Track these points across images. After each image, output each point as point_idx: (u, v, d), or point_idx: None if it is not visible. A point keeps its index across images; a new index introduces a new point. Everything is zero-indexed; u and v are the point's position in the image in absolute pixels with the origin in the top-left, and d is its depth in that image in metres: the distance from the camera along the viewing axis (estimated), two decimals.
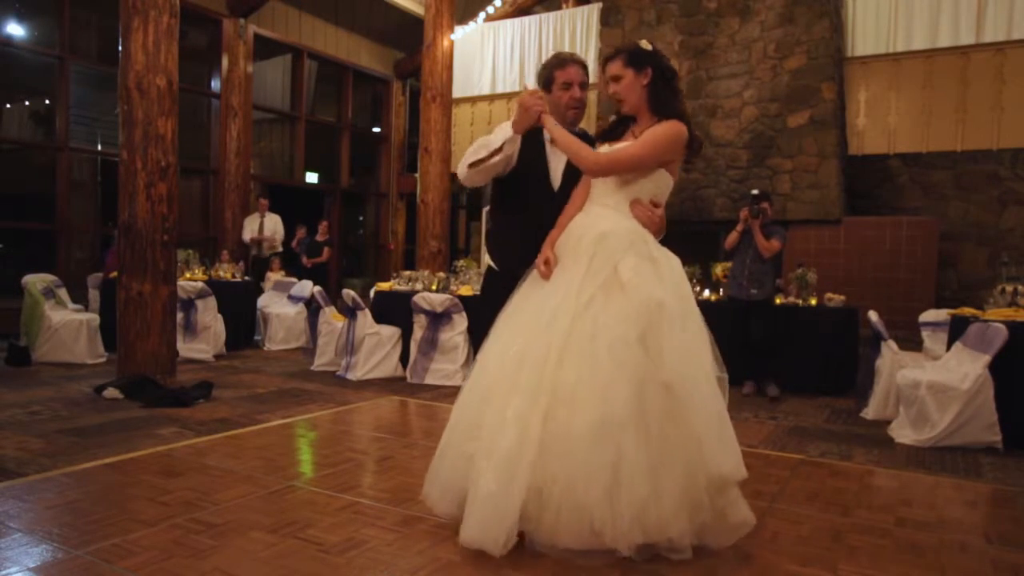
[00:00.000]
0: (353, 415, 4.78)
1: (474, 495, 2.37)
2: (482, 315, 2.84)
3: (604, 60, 2.68)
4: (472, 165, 2.70)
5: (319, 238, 10.03)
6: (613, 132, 2.73)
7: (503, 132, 2.67)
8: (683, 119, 2.59)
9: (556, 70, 2.79)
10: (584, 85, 2.79)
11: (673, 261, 2.57)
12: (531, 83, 2.65)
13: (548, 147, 2.79)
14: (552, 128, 2.61)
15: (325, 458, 3.73)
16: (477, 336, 3.03)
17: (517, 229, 2.80)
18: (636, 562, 2.35)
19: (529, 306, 2.54)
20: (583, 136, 2.83)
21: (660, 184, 2.61)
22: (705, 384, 2.40)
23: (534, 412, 2.32)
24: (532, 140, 2.77)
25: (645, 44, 2.61)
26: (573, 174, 2.76)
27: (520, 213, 2.80)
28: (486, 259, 3.11)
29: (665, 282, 2.47)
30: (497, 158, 2.66)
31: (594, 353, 2.35)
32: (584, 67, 2.81)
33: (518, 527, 2.34)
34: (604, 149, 2.66)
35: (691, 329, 2.45)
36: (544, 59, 10.55)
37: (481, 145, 2.69)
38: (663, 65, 2.61)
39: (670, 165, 2.62)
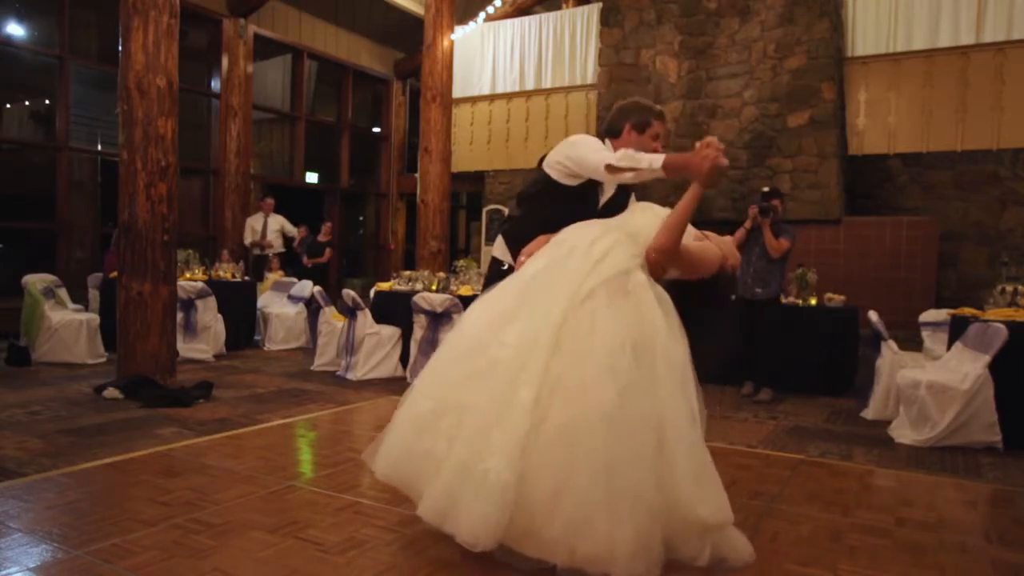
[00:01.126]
0: (353, 415, 4.78)
1: (472, 483, 2.17)
2: None
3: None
4: (613, 169, 2.66)
5: (321, 239, 10.04)
6: None
7: (652, 160, 2.60)
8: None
9: (655, 120, 2.89)
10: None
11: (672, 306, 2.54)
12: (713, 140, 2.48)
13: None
14: (694, 196, 2.51)
15: (325, 458, 3.73)
16: None
17: (549, 234, 2.82)
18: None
19: (526, 289, 2.51)
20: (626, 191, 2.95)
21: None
22: (687, 420, 2.33)
23: (528, 397, 2.22)
24: None
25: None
26: (615, 205, 2.85)
27: (560, 223, 2.79)
28: (497, 250, 3.11)
29: (665, 310, 2.45)
30: (630, 176, 2.66)
31: (589, 349, 2.29)
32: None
33: None
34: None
35: (681, 363, 2.40)
36: (544, 59, 10.49)
37: (631, 157, 2.64)
38: None
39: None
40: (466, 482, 2.19)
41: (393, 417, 2.52)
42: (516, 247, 2.93)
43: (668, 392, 2.31)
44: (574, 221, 2.74)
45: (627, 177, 2.65)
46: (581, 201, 2.85)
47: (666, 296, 2.52)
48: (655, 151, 2.78)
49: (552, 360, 2.28)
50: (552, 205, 2.87)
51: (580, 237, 2.58)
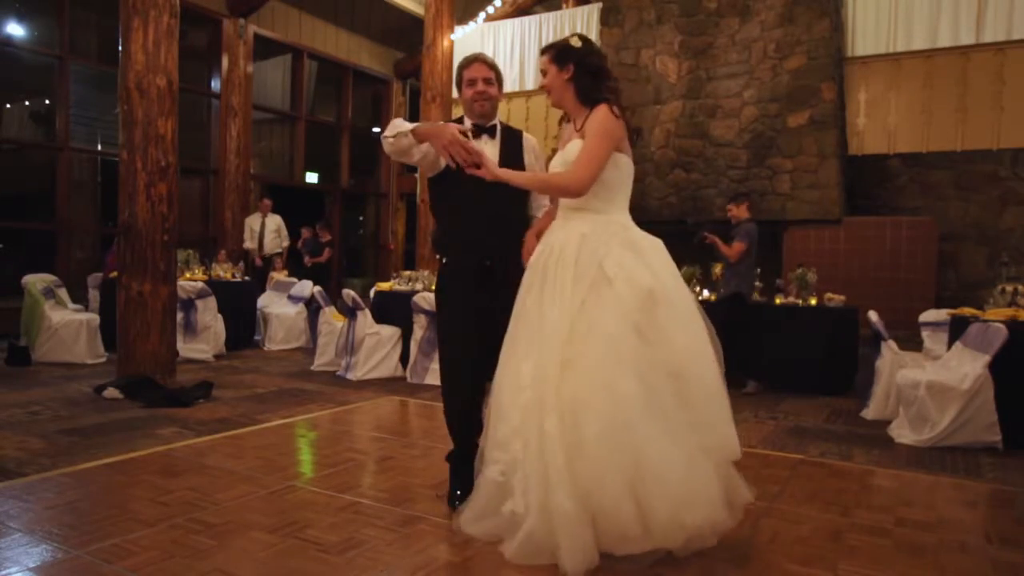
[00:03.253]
0: (353, 415, 4.78)
1: (549, 524, 2.30)
2: (440, 311, 3.03)
3: (540, 52, 2.77)
4: (386, 139, 2.83)
5: (321, 239, 10.06)
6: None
7: (407, 126, 2.77)
8: (607, 100, 2.58)
9: (462, 70, 2.97)
10: (488, 80, 2.92)
11: (657, 245, 2.58)
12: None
13: (477, 141, 2.88)
14: (506, 176, 2.60)
15: (325, 458, 3.73)
16: (441, 331, 3.12)
17: (458, 224, 2.94)
18: (656, 561, 2.35)
19: (527, 321, 2.54)
20: (509, 133, 2.98)
21: (622, 167, 2.61)
22: (708, 364, 2.44)
23: (553, 426, 2.31)
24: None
25: (574, 41, 2.65)
26: (508, 164, 2.85)
27: (459, 208, 2.93)
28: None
29: (653, 268, 2.48)
30: (391, 140, 2.78)
31: (591, 354, 2.34)
32: (488, 65, 2.95)
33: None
34: (556, 159, 2.68)
35: (684, 310, 2.48)
36: None
37: (394, 125, 2.82)
38: (587, 60, 2.63)
39: (621, 144, 2.60)
40: (542, 524, 2.31)
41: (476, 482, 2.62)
42: (448, 252, 2.99)
43: (686, 344, 2.41)
44: (474, 199, 2.82)
45: (390, 143, 2.78)
46: (460, 180, 2.85)
47: (651, 247, 2.54)
48: (475, 92, 2.88)
49: (562, 380, 2.34)
50: (446, 200, 2.98)
51: (549, 247, 2.58)
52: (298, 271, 9.73)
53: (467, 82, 2.93)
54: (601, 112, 2.54)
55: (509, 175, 2.61)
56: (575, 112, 2.68)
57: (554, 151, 2.86)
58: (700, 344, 2.45)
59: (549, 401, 2.34)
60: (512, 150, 2.93)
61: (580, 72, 2.62)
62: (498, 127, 2.96)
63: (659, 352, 2.36)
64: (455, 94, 10.03)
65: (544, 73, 2.70)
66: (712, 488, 2.33)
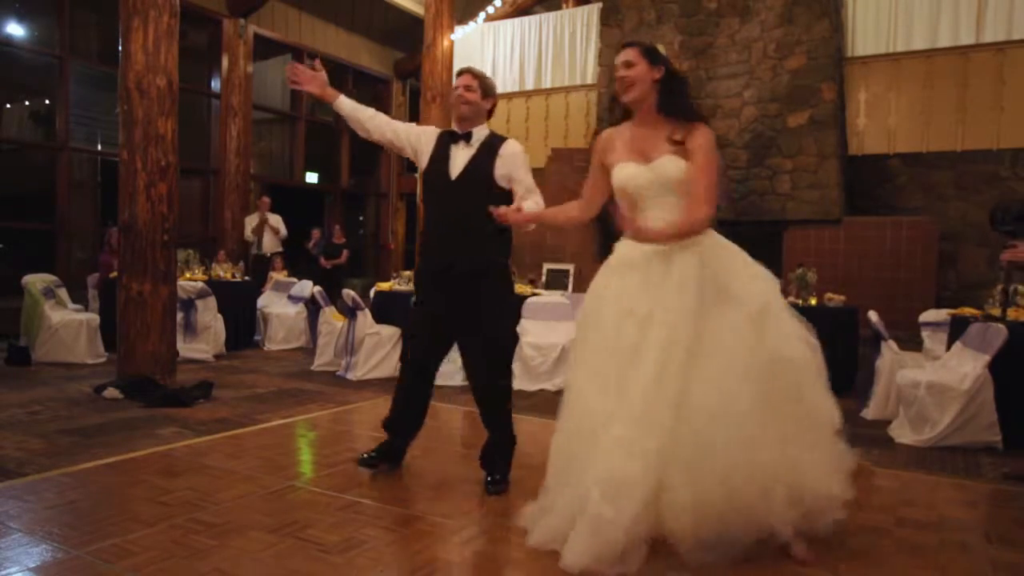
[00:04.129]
0: (353, 415, 4.78)
1: (587, 523, 2.30)
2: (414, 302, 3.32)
3: (621, 46, 2.73)
4: None
5: (336, 240, 10.09)
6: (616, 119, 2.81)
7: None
8: (706, 121, 2.65)
9: (456, 80, 3.27)
10: (469, 87, 3.16)
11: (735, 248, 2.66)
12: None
13: (454, 146, 3.12)
14: (651, 234, 2.57)
15: (325, 458, 3.73)
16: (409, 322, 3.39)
17: (426, 223, 3.22)
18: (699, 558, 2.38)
19: (623, 347, 2.50)
20: (488, 141, 3.13)
21: None
22: (812, 351, 2.56)
23: (650, 433, 2.33)
24: (443, 142, 3.14)
25: (662, 49, 2.68)
26: (474, 169, 3.04)
27: (427, 206, 3.21)
28: None
29: (761, 273, 2.59)
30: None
31: (714, 365, 2.39)
32: (473, 75, 3.22)
33: (661, 538, 2.37)
34: (643, 172, 2.60)
35: (786, 307, 2.61)
36: (544, 59, 10.72)
37: None
38: (673, 70, 2.66)
39: None
40: (582, 521, 2.34)
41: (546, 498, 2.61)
42: (420, 246, 3.25)
43: (793, 338, 2.53)
44: (435, 199, 3.12)
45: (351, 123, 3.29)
46: (429, 180, 3.18)
47: (740, 251, 2.62)
48: (456, 96, 3.15)
49: (685, 390, 2.39)
50: (425, 193, 3.23)
51: (650, 258, 2.54)
52: (314, 272, 9.71)
53: (454, 88, 3.20)
54: (709, 138, 2.55)
55: (649, 232, 2.54)
56: (649, 118, 2.63)
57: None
58: (803, 334, 2.57)
59: (647, 407, 2.36)
60: (484, 159, 3.06)
61: (667, 78, 2.62)
62: (475, 134, 3.12)
63: (776, 350, 2.45)
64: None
65: (629, 65, 2.61)
66: (820, 471, 2.46)
